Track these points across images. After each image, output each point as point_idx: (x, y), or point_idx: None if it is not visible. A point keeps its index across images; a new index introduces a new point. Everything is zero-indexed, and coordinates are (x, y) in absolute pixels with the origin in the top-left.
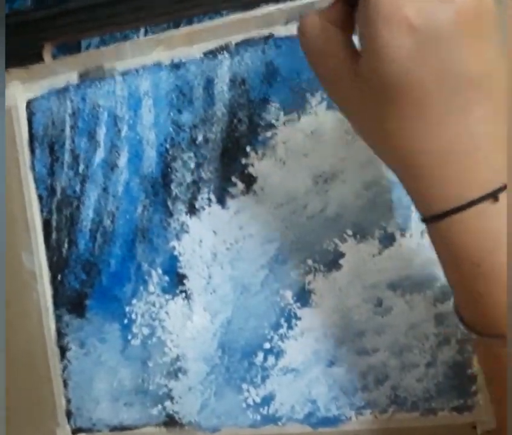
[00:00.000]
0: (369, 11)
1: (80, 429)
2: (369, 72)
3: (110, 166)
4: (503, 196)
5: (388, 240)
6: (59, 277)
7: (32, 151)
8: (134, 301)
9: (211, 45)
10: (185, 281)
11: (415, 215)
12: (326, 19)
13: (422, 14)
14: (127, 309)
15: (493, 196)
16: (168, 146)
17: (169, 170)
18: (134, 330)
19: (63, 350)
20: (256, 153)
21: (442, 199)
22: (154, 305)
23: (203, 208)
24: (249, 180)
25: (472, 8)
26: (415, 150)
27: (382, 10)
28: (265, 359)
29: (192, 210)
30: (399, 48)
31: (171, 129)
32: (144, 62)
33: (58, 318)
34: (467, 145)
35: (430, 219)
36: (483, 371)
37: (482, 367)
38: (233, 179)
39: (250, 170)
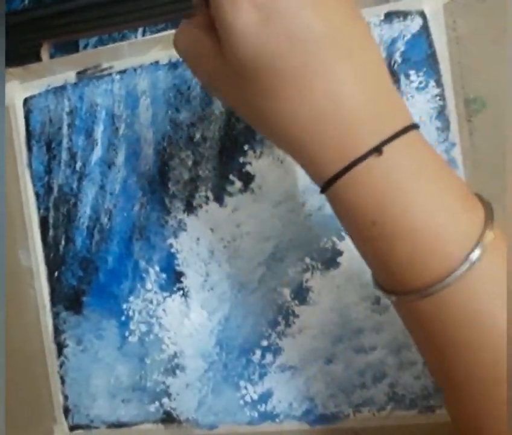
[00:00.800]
0: None
1: (77, 426)
2: (227, 55)
3: (107, 164)
4: (388, 149)
5: None
6: (56, 274)
7: (29, 148)
8: (131, 298)
9: None
10: (182, 278)
11: None
12: (195, 25)
13: None
14: (124, 306)
15: (376, 150)
16: (165, 144)
17: (166, 168)
18: (132, 327)
19: (60, 347)
20: (254, 151)
21: (328, 164)
22: (151, 302)
23: (201, 206)
24: (247, 179)
25: None
26: (286, 123)
27: None
28: (263, 356)
29: (189, 208)
30: (245, 23)
31: (168, 127)
32: (142, 61)
33: (55, 315)
34: (335, 107)
35: (324, 187)
36: (410, 333)
37: (407, 329)
38: (231, 177)
39: (248, 168)
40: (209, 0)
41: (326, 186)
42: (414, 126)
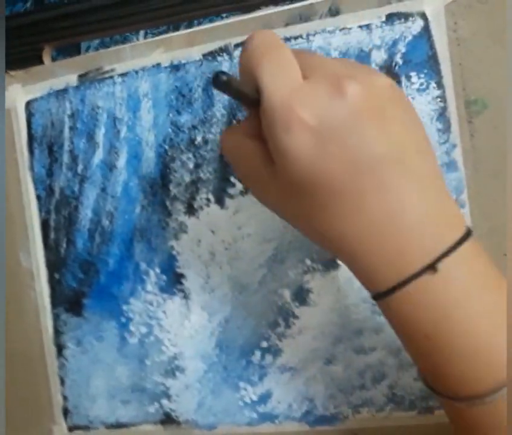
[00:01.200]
0: (267, 119)
1: (77, 427)
2: (280, 172)
3: (108, 167)
4: (443, 265)
5: None
6: (57, 276)
7: (31, 151)
8: (131, 300)
9: (211, 46)
10: (183, 280)
11: None
12: (241, 132)
13: (317, 115)
14: (125, 307)
15: (431, 267)
16: (167, 147)
17: (168, 170)
18: (132, 328)
19: (60, 348)
20: None
21: (382, 278)
22: (151, 304)
23: (202, 208)
24: None
25: (363, 96)
26: (341, 236)
27: (278, 116)
28: (262, 357)
29: (190, 210)
30: (300, 148)
31: (170, 130)
32: (143, 64)
33: (56, 317)
34: (393, 223)
35: (376, 297)
36: (451, 424)
37: (449, 419)
38: (232, 179)
39: None
40: (261, 118)
41: (378, 296)
42: (468, 233)
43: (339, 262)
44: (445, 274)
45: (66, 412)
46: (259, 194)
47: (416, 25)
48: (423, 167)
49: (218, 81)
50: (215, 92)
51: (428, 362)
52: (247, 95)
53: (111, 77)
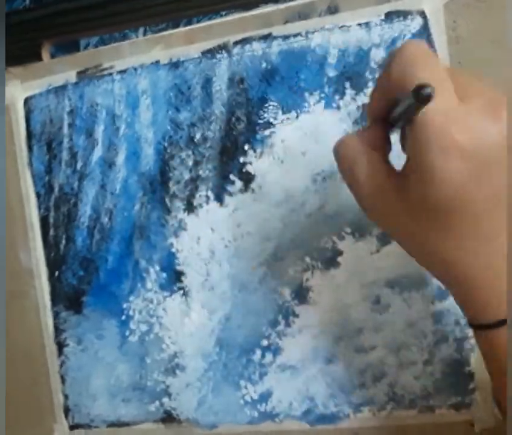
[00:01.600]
0: (419, 137)
1: (78, 425)
2: (418, 193)
3: (108, 164)
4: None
5: (386, 238)
6: (56, 274)
7: (30, 148)
8: (131, 298)
9: (210, 44)
10: (182, 278)
11: None
12: (363, 142)
13: (474, 140)
14: (125, 305)
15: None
16: (166, 144)
17: (167, 167)
18: (132, 326)
19: (60, 347)
20: (255, 151)
21: (490, 311)
22: (151, 302)
23: (201, 206)
24: (247, 178)
25: None
26: (466, 265)
27: (434, 137)
28: (263, 356)
29: (190, 208)
30: (453, 174)
31: (169, 127)
32: (142, 61)
33: (56, 315)
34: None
35: (476, 326)
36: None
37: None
38: (232, 177)
39: (249, 168)
40: (406, 139)
41: (479, 327)
42: None
43: (339, 260)
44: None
45: (67, 411)
46: (378, 212)
47: (415, 23)
48: None
49: (423, 95)
50: (214, 89)
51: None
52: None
53: (110, 74)
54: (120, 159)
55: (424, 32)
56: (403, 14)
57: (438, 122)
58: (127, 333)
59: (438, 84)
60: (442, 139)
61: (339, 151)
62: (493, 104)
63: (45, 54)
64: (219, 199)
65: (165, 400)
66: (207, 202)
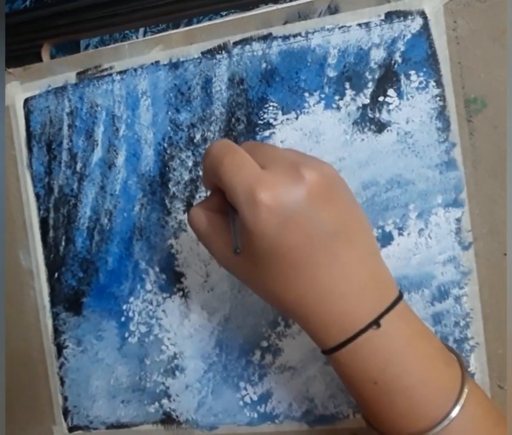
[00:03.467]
0: (233, 199)
1: (77, 427)
2: (246, 248)
3: (107, 165)
4: (385, 320)
5: (386, 239)
6: (56, 275)
7: (29, 149)
8: (131, 299)
9: (209, 44)
10: (182, 279)
11: (412, 215)
12: (206, 207)
13: (278, 198)
14: (124, 306)
15: (375, 323)
16: (166, 145)
17: (167, 168)
18: (132, 328)
19: (59, 348)
20: None
21: (331, 336)
22: (151, 303)
23: None
24: None
25: (320, 183)
26: (295, 301)
27: (242, 199)
28: (262, 357)
29: (190, 208)
30: (264, 228)
31: (169, 128)
32: (142, 61)
33: (55, 316)
34: (340, 289)
35: (327, 352)
36: None
37: None
38: None
39: None
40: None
41: (329, 352)
42: (401, 294)
43: None
44: (387, 328)
45: (66, 412)
46: (224, 262)
47: (416, 24)
48: (364, 241)
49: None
50: (214, 90)
51: (375, 405)
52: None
53: (110, 75)
54: (120, 160)
55: (424, 32)
56: (403, 14)
57: (244, 189)
58: (127, 334)
59: (240, 162)
60: (250, 201)
61: (190, 219)
62: (294, 166)
63: (45, 55)
64: None
65: (165, 401)
66: None
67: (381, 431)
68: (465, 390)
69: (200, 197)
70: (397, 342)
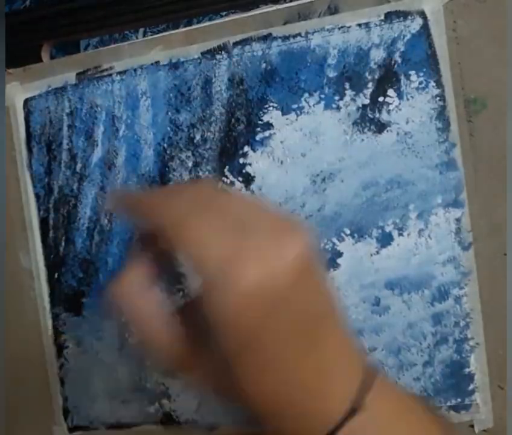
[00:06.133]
0: (201, 275)
1: (77, 427)
2: (215, 340)
3: (107, 165)
4: (364, 403)
5: (386, 239)
6: (56, 275)
7: (29, 150)
8: None
9: (209, 44)
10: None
11: (412, 215)
12: (132, 275)
13: (267, 282)
14: None
15: (354, 410)
16: (165, 145)
17: (167, 169)
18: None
19: (59, 348)
20: (254, 152)
21: (316, 430)
22: None
23: None
24: (247, 180)
25: (303, 256)
26: (276, 396)
27: (215, 276)
28: None
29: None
30: (243, 315)
31: (168, 129)
32: (142, 62)
33: (55, 316)
34: (317, 379)
35: None
36: None
37: None
38: (231, 178)
39: (248, 169)
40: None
41: None
42: (377, 369)
43: (339, 261)
44: (367, 410)
45: (66, 412)
46: (175, 356)
47: (415, 24)
48: (341, 322)
49: None
50: (214, 90)
51: None
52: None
53: (110, 75)
54: (120, 160)
55: (424, 32)
56: (403, 15)
57: (218, 265)
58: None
59: (212, 233)
60: (227, 281)
61: (112, 296)
62: (276, 237)
63: (45, 55)
64: None
65: (165, 401)
66: None
67: None
68: None
69: None
70: (379, 421)
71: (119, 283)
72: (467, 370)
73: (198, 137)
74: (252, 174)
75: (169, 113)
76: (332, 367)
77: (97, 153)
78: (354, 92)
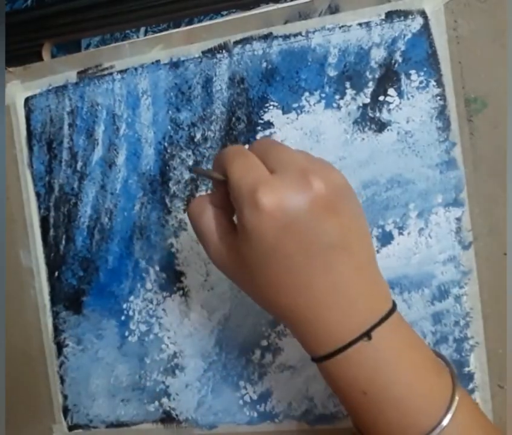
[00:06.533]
0: (236, 199)
1: (77, 426)
2: (243, 244)
3: (108, 164)
4: (376, 332)
5: (386, 238)
6: (56, 274)
7: (30, 148)
8: (131, 298)
9: (210, 43)
10: (182, 278)
11: (413, 214)
12: (209, 201)
13: (281, 203)
14: (124, 305)
15: (366, 335)
16: (166, 144)
17: (167, 167)
18: (132, 326)
19: (59, 347)
20: None
21: (322, 344)
22: (151, 302)
23: None
24: None
25: (326, 193)
26: (288, 306)
27: (244, 201)
28: (262, 356)
29: (191, 200)
30: (263, 231)
31: (169, 127)
32: (143, 61)
33: (55, 315)
34: (333, 298)
35: (317, 360)
36: None
37: None
38: None
39: None
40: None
41: (319, 360)
42: (395, 306)
43: None
44: (378, 340)
45: (66, 411)
46: (217, 258)
47: (416, 23)
48: (362, 252)
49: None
50: (215, 89)
51: (364, 415)
52: (215, 177)
53: (110, 74)
54: (120, 159)
55: (425, 32)
56: (404, 14)
57: (248, 190)
58: (127, 333)
59: (249, 167)
60: (252, 202)
61: (189, 207)
62: (303, 173)
63: (46, 54)
64: None
65: (165, 400)
66: None
67: None
68: (456, 398)
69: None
70: (387, 353)
71: (197, 201)
72: (467, 369)
73: (198, 136)
74: None
75: (170, 112)
76: (348, 291)
77: (98, 152)
78: (354, 91)
